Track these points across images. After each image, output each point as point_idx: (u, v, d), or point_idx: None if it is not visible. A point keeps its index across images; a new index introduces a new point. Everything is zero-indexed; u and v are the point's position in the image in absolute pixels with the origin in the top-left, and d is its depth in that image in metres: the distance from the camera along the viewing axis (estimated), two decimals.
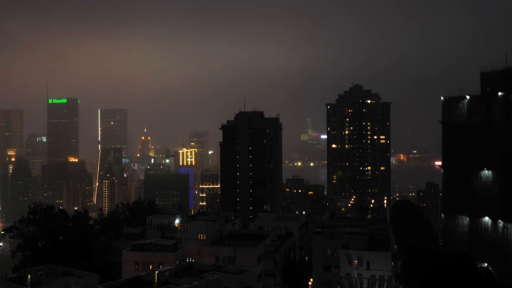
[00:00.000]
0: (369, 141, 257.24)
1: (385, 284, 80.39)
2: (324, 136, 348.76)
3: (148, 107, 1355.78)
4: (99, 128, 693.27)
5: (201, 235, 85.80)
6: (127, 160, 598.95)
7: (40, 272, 62.65)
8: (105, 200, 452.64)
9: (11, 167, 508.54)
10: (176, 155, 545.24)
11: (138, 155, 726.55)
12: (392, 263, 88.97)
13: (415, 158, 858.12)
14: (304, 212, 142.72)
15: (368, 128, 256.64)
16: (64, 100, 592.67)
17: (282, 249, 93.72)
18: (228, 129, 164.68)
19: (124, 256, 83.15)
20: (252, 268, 70.26)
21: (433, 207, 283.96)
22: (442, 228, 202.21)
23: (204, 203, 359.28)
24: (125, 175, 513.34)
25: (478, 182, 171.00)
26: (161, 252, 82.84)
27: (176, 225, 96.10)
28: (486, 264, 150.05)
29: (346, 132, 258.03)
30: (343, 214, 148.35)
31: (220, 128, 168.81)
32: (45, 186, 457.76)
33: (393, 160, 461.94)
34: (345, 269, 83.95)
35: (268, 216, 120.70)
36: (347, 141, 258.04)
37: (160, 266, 73.86)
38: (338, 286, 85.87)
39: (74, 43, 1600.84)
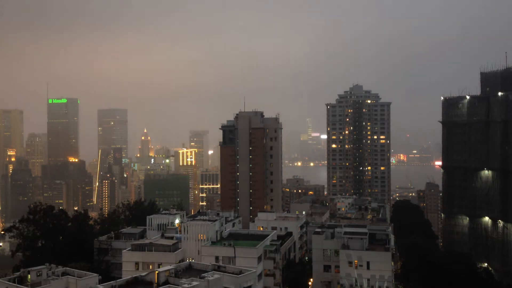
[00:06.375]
0: (369, 141, 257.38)
1: (385, 284, 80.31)
2: (324, 136, 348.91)
3: (148, 107, 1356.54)
4: (99, 128, 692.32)
5: (201, 235, 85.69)
6: (127, 160, 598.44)
7: (40, 272, 62.53)
8: (105, 200, 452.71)
9: (11, 167, 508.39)
10: (176, 155, 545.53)
11: (138, 155, 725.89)
12: (392, 263, 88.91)
13: (415, 158, 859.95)
14: (304, 212, 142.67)
15: (368, 128, 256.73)
16: (64, 100, 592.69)
17: (282, 249, 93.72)
18: (228, 129, 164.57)
19: (124, 256, 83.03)
20: (252, 268, 70.21)
21: (433, 207, 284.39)
22: (442, 228, 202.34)
23: (204, 203, 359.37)
24: (125, 175, 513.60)
25: (478, 182, 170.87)
26: (161, 252, 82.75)
27: (176, 225, 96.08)
28: (486, 264, 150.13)
29: (346, 132, 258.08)
30: (343, 214, 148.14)
31: (220, 128, 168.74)
32: (45, 186, 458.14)
33: (393, 160, 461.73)
34: (345, 269, 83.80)
35: (268, 216, 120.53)
36: (347, 141, 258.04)
37: (160, 266, 73.77)
38: (338, 286, 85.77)
39: (74, 43, 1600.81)
